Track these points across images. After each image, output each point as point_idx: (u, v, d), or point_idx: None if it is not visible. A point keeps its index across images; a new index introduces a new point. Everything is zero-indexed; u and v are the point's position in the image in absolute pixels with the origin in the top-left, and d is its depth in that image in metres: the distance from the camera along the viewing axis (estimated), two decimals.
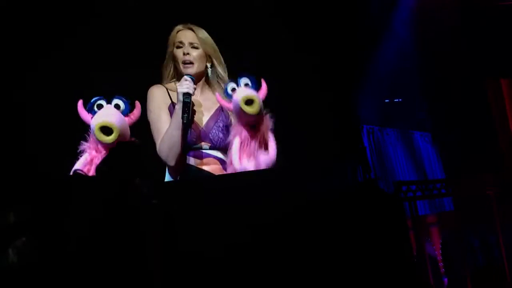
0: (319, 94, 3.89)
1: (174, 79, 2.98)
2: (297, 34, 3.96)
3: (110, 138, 2.63)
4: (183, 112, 2.72)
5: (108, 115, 2.68)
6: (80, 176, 2.53)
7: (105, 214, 1.95)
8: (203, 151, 2.87)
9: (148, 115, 2.90)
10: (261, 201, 2.22)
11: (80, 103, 2.71)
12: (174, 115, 2.79)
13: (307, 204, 2.27)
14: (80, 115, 2.71)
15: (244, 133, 2.84)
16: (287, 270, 2.14)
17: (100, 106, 2.71)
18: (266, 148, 2.82)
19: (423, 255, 4.21)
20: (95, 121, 2.66)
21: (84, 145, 2.71)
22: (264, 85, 2.86)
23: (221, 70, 2.98)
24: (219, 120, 2.93)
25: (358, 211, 2.34)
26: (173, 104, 2.88)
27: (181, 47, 2.91)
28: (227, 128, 2.91)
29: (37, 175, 2.36)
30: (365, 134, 6.08)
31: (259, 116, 2.84)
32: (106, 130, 2.64)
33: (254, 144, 2.81)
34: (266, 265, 2.12)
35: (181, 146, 2.79)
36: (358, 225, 2.29)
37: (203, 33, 2.95)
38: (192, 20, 3.31)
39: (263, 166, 2.79)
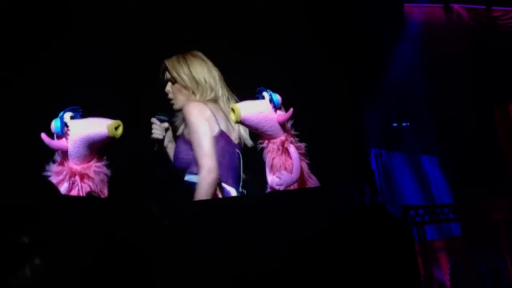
0: (327, 117, 3.90)
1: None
2: (305, 54, 3.99)
3: (120, 132, 2.60)
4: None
5: (97, 119, 2.67)
6: (93, 198, 2.54)
7: (116, 236, 1.96)
8: (184, 179, 2.87)
9: None
10: (267, 224, 2.22)
11: (44, 135, 2.58)
12: None
13: (314, 228, 2.27)
14: (52, 145, 2.59)
15: (266, 148, 2.89)
16: None
17: (72, 118, 2.63)
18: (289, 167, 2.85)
19: (432, 280, 4.18)
20: (103, 124, 2.62)
21: (57, 177, 2.60)
22: (290, 112, 2.86)
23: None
24: (177, 146, 2.91)
25: (366, 234, 2.34)
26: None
27: (165, 84, 2.93)
28: (183, 151, 2.88)
29: (52, 195, 2.38)
30: (373, 157, 6.08)
31: (253, 128, 2.87)
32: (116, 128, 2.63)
33: (270, 160, 2.85)
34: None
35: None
36: (366, 249, 2.29)
37: (175, 65, 2.91)
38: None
39: (285, 183, 2.80)
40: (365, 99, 4.88)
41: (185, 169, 2.88)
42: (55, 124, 2.60)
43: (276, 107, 2.88)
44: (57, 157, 2.67)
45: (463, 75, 5.80)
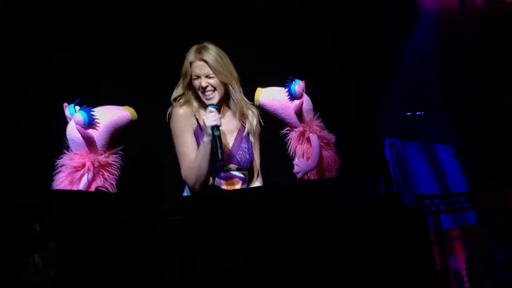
0: (340, 107, 3.89)
1: (192, 104, 2.99)
2: (319, 45, 3.99)
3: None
4: (217, 147, 2.75)
5: (111, 106, 2.79)
6: (102, 193, 2.56)
7: (126, 230, 1.97)
8: (231, 172, 2.95)
9: (172, 136, 2.95)
10: (283, 214, 2.23)
11: (79, 127, 2.62)
12: (203, 147, 2.81)
13: (329, 218, 2.27)
14: (87, 135, 2.64)
15: (288, 135, 3.04)
16: (307, 283, 2.14)
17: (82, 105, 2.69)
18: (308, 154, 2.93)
19: (447, 269, 4.16)
20: (122, 109, 2.78)
21: (77, 172, 2.63)
22: (299, 101, 2.91)
23: (237, 94, 3.01)
24: (243, 142, 3.00)
25: (382, 225, 2.34)
26: (199, 127, 2.93)
27: (197, 78, 2.93)
28: (250, 149, 3.01)
29: (60, 191, 2.40)
30: (387, 147, 6.05)
31: (273, 113, 3.01)
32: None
33: (293, 148, 2.99)
34: (286, 277, 2.12)
35: (208, 174, 2.84)
36: (381, 240, 2.29)
37: (216, 61, 2.93)
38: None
39: (302, 170, 2.90)
40: (378, 88, 4.86)
41: (244, 166, 2.97)
42: (82, 116, 2.62)
43: (293, 97, 2.93)
44: (74, 151, 2.68)
45: (477, 62, 5.75)
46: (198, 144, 2.90)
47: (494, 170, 5.25)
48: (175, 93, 3.01)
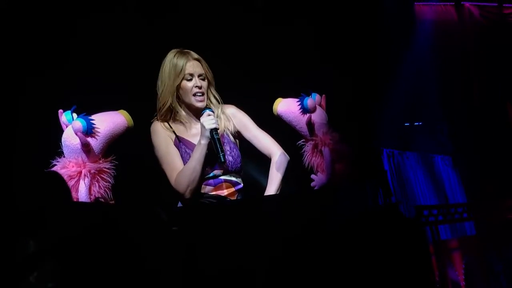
0: (339, 118, 3.89)
1: (170, 115, 2.98)
2: (317, 55, 3.99)
3: None
4: (218, 151, 2.76)
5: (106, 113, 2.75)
6: (100, 204, 2.55)
7: (125, 241, 1.97)
8: (219, 178, 2.91)
9: (155, 150, 2.94)
10: (279, 226, 2.22)
11: (81, 135, 2.61)
12: (199, 149, 2.81)
13: (328, 229, 2.27)
14: (87, 143, 2.63)
15: (304, 147, 3.06)
16: None
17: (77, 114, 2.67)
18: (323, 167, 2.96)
19: (446, 280, 4.16)
20: (118, 115, 2.73)
21: (72, 179, 2.61)
22: (307, 116, 2.94)
23: (217, 96, 3.02)
24: (224, 144, 2.95)
25: (380, 235, 2.33)
26: (178, 139, 2.93)
27: (190, 79, 2.92)
28: (234, 150, 2.98)
29: (59, 202, 2.38)
30: (385, 157, 6.05)
31: (290, 124, 3.03)
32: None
33: (309, 160, 3.01)
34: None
35: (199, 181, 2.83)
36: (380, 251, 2.28)
37: (205, 62, 2.98)
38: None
39: (317, 183, 2.95)
40: (377, 99, 4.86)
41: (232, 169, 2.94)
42: (82, 124, 2.61)
43: (305, 110, 2.95)
44: (68, 158, 2.67)
45: (475, 72, 5.77)
46: (181, 155, 2.90)
47: (492, 180, 5.25)
48: (162, 100, 2.97)
